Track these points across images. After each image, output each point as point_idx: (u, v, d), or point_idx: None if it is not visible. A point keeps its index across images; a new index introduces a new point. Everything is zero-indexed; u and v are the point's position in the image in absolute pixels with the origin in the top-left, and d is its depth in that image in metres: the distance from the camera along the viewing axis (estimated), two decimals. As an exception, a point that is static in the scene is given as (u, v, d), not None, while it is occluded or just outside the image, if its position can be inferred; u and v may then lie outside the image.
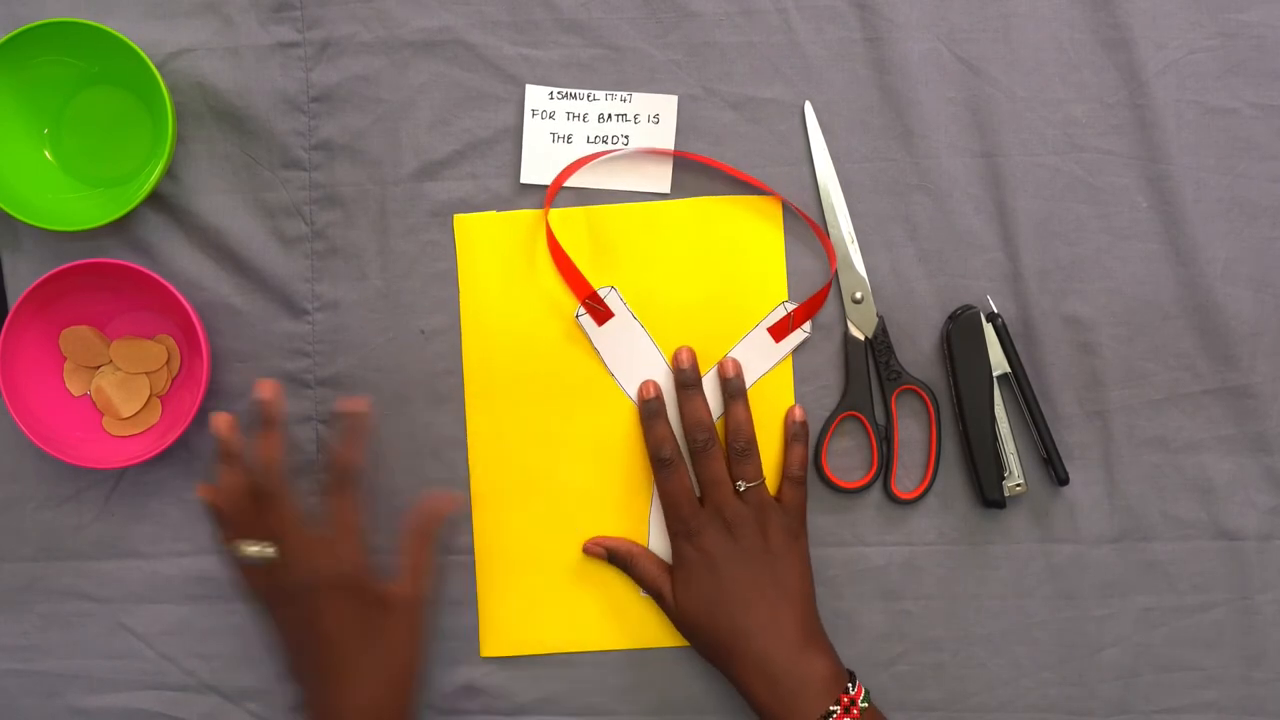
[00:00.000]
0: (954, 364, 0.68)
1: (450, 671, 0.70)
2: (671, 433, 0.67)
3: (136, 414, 0.70)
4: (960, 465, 0.69)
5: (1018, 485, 0.68)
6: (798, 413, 0.68)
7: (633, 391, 0.69)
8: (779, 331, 0.68)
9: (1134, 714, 0.69)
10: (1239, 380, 0.69)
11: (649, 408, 0.68)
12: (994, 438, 0.68)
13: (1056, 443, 0.68)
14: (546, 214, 0.69)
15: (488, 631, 0.70)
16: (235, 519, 0.64)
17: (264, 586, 0.65)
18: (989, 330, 0.67)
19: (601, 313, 0.69)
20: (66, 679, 0.71)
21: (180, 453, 0.70)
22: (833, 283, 0.69)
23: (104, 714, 0.70)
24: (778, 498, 0.67)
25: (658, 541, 0.69)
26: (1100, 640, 0.69)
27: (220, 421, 0.65)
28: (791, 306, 0.68)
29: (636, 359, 0.69)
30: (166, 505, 0.70)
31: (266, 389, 0.66)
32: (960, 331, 0.68)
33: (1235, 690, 0.69)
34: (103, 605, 0.70)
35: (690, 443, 0.67)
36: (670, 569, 0.67)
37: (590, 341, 0.69)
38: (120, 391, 0.69)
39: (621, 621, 0.70)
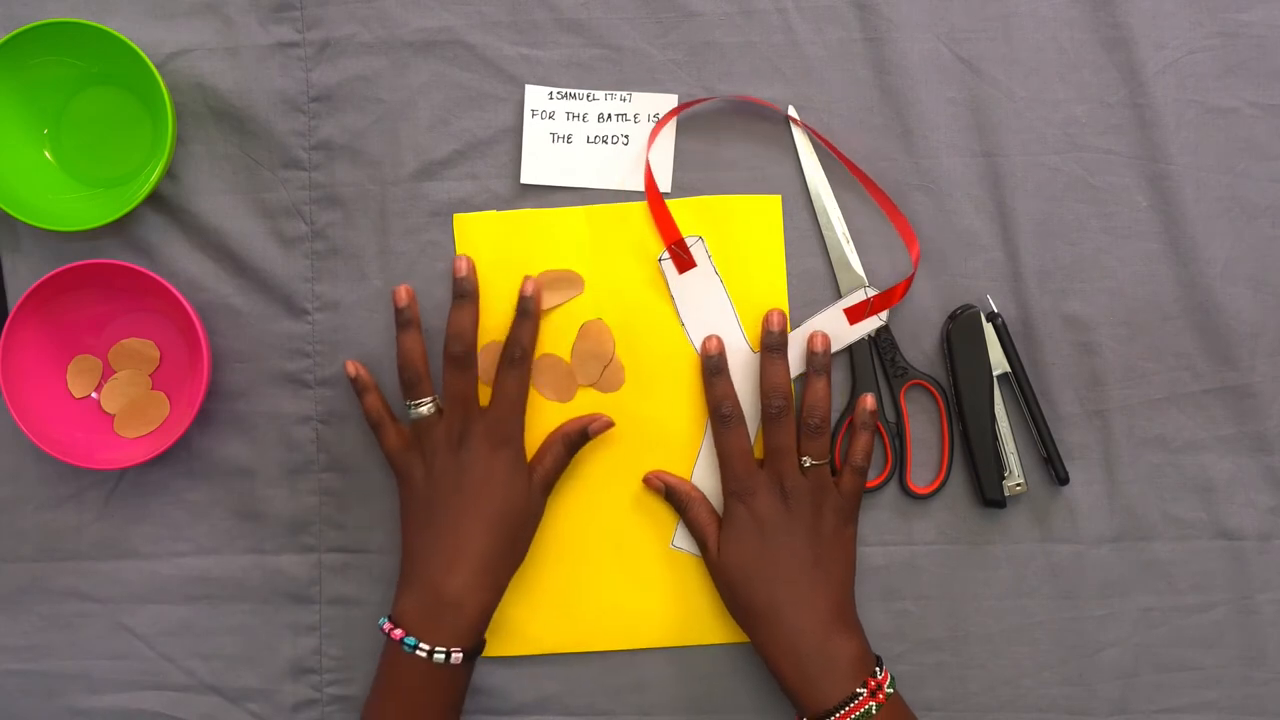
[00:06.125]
0: (954, 363, 0.68)
1: (450, 671, 0.70)
2: (733, 390, 0.67)
3: (141, 415, 0.70)
4: (961, 465, 0.69)
5: (1018, 485, 0.68)
6: (869, 401, 0.67)
7: (700, 344, 0.69)
8: (855, 315, 0.68)
9: (1134, 714, 0.69)
10: (1239, 380, 0.69)
11: (712, 363, 0.67)
12: (994, 437, 0.68)
13: (1056, 442, 0.68)
14: (649, 150, 0.69)
15: (488, 631, 0.70)
16: (412, 380, 0.66)
17: (427, 439, 0.66)
18: (989, 330, 0.67)
19: (685, 261, 0.69)
20: (67, 679, 0.71)
21: (180, 453, 0.70)
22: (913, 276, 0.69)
23: (104, 714, 0.70)
24: (836, 483, 0.67)
25: None
26: (1100, 640, 0.69)
27: (402, 291, 0.66)
28: (872, 292, 0.68)
29: (710, 313, 0.69)
30: (167, 506, 0.70)
31: (462, 266, 0.67)
32: (960, 331, 0.68)
33: (1235, 690, 0.69)
34: (103, 605, 0.70)
35: (766, 407, 0.66)
36: (721, 523, 0.68)
37: (668, 287, 0.69)
38: (129, 402, 0.70)
39: (621, 621, 0.70)
